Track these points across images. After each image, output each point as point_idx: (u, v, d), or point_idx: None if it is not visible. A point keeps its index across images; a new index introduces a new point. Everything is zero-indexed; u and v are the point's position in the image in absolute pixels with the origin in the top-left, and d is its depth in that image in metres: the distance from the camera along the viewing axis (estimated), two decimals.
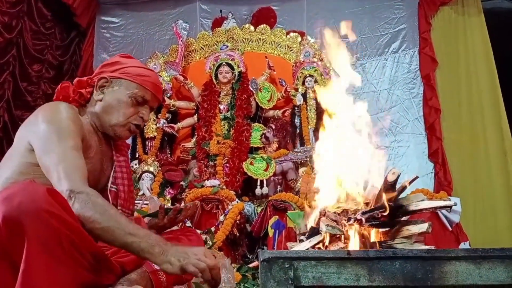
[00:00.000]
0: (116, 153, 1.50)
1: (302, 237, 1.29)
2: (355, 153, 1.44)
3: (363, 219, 1.22)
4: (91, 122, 1.43)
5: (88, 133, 1.38)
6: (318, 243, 1.20)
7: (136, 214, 1.79)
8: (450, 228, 3.27)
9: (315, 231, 1.26)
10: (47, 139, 1.25)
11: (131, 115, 1.43)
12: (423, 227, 1.22)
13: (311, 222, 1.29)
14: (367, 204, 1.31)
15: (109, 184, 1.44)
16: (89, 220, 1.11)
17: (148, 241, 1.11)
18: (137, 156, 4.13)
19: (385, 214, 1.18)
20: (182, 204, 3.29)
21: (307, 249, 1.19)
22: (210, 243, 2.98)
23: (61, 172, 1.18)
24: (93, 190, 1.19)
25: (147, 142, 4.19)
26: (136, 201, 3.45)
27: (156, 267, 1.28)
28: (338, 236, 1.20)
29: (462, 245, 3.48)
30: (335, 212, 1.25)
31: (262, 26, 4.47)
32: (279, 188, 3.74)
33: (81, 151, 1.28)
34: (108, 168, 1.46)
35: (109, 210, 1.15)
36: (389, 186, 1.27)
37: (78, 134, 1.30)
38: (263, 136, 3.90)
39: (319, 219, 1.26)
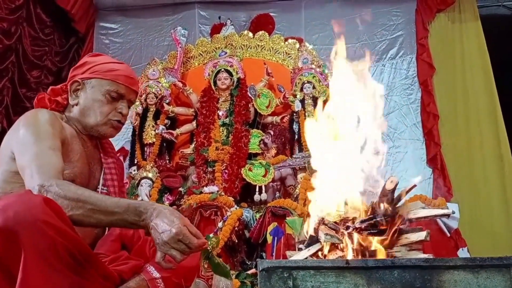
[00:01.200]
0: (104, 155, 1.50)
1: (301, 246, 1.29)
2: (352, 160, 1.44)
3: (362, 228, 1.22)
4: (74, 126, 1.43)
5: (71, 137, 1.38)
6: (317, 251, 1.21)
7: None
8: (448, 234, 3.27)
9: (314, 240, 1.26)
10: (24, 141, 1.26)
11: (108, 112, 1.42)
12: (422, 235, 1.22)
13: (310, 231, 1.29)
14: (366, 212, 1.32)
15: (100, 186, 1.44)
16: (68, 209, 1.10)
17: (129, 215, 1.10)
18: (135, 162, 4.13)
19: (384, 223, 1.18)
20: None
21: (306, 258, 1.19)
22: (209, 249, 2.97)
23: (34, 168, 1.18)
24: (64, 181, 1.17)
25: (145, 148, 4.19)
26: None
27: (155, 275, 1.29)
28: (337, 244, 1.20)
29: (461, 251, 3.48)
30: (334, 222, 1.25)
31: (260, 32, 4.49)
32: (277, 194, 3.74)
33: (59, 151, 1.27)
34: (97, 171, 1.45)
35: (84, 194, 1.12)
36: (388, 194, 1.27)
37: (56, 136, 1.30)
38: (262, 142, 3.90)
39: (318, 227, 1.26)
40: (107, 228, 1.38)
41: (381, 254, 1.18)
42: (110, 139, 1.56)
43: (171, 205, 3.72)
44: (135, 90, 1.49)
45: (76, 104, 1.43)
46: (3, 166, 1.31)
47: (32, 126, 1.29)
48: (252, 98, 4.06)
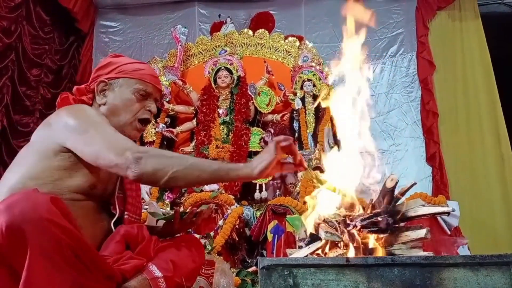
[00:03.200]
0: None
1: (301, 244, 1.30)
2: (353, 158, 1.45)
3: (362, 226, 1.22)
4: None
5: None
6: (317, 249, 1.21)
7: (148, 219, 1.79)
8: (448, 232, 3.27)
9: (314, 238, 1.26)
10: (84, 132, 1.26)
11: (138, 110, 1.44)
12: (422, 233, 1.23)
13: (310, 228, 1.29)
14: (365, 210, 1.32)
15: (117, 190, 1.44)
16: (170, 168, 1.15)
17: (229, 164, 1.29)
18: None
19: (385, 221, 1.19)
20: (187, 207, 3.30)
21: (306, 256, 1.20)
22: (209, 247, 2.98)
23: (116, 146, 1.20)
24: (149, 147, 1.20)
25: (146, 146, 4.20)
26: None
27: (157, 274, 1.29)
28: (337, 242, 1.20)
29: (461, 249, 3.48)
30: (335, 220, 1.25)
31: (260, 30, 4.48)
32: (278, 192, 3.75)
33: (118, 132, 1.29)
34: (115, 175, 1.44)
35: (175, 153, 1.23)
36: (388, 192, 1.28)
37: (107, 122, 1.33)
38: (262, 140, 3.91)
39: (318, 225, 1.27)
40: (113, 230, 1.37)
41: (380, 252, 1.19)
42: None
43: (171, 203, 3.72)
44: (160, 88, 1.53)
45: (104, 104, 1.43)
46: (34, 161, 1.27)
47: (82, 118, 1.30)
48: (252, 96, 4.06)
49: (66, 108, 1.36)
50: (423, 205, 1.32)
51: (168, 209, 3.59)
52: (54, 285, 1.00)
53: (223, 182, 1.31)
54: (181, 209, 3.45)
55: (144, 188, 3.77)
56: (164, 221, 1.57)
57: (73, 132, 1.26)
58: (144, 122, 1.47)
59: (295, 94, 4.08)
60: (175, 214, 1.51)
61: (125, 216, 1.42)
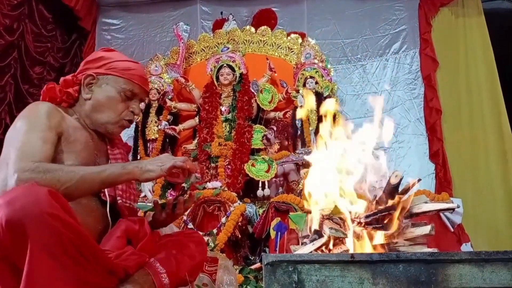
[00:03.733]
0: (110, 147, 1.49)
1: (305, 240, 1.29)
2: (357, 155, 1.44)
3: (367, 222, 1.22)
4: (80, 120, 1.42)
5: (73, 129, 1.36)
6: (321, 246, 1.21)
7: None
8: (452, 229, 3.27)
9: (318, 234, 1.26)
10: (16, 133, 1.26)
11: (122, 111, 1.43)
12: (426, 229, 1.22)
13: (314, 225, 1.29)
14: (369, 206, 1.31)
15: None
16: (59, 184, 1.14)
17: (118, 167, 1.25)
18: (138, 158, 4.14)
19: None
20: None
21: (311, 252, 1.20)
22: (212, 245, 2.98)
23: (17, 155, 1.18)
24: (42, 162, 1.19)
25: (148, 144, 4.20)
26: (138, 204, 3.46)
27: (160, 269, 1.29)
28: (341, 239, 1.20)
29: (464, 246, 3.48)
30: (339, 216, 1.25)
31: (262, 27, 4.47)
32: (280, 189, 3.74)
33: (50, 144, 1.26)
34: (103, 162, 1.44)
35: (68, 167, 1.21)
36: (392, 189, 1.27)
37: (52, 128, 1.28)
38: (265, 137, 3.90)
39: (323, 221, 1.26)
40: (110, 224, 1.37)
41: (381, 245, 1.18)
42: None
43: (174, 200, 3.72)
44: (147, 90, 1.52)
45: (89, 99, 1.41)
46: (4, 164, 1.27)
47: (27, 118, 1.29)
48: (255, 93, 4.05)
49: (28, 106, 1.36)
50: (427, 202, 1.32)
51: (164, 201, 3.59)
52: (56, 280, 1.00)
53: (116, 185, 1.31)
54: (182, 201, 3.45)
55: (147, 186, 3.78)
56: (153, 213, 1.55)
57: (11, 132, 1.28)
58: (128, 121, 1.46)
59: (297, 91, 4.07)
60: (154, 205, 1.48)
61: (119, 201, 1.41)
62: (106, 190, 1.39)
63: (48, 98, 1.43)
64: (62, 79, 1.46)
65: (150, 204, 1.50)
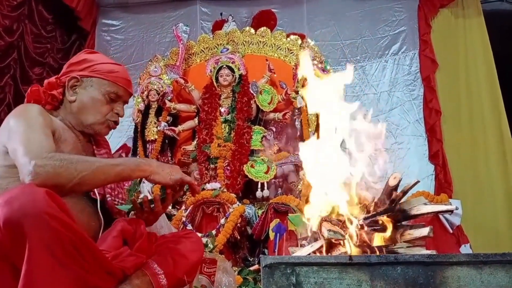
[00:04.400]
0: (96, 147, 1.50)
1: (303, 242, 1.29)
2: (356, 156, 1.44)
3: (365, 224, 1.22)
4: (67, 122, 1.42)
5: (62, 129, 1.38)
6: (320, 248, 1.20)
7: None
8: (451, 231, 3.27)
9: (317, 236, 1.26)
10: (15, 130, 1.26)
11: (107, 112, 1.44)
12: (425, 231, 1.22)
13: (313, 227, 1.29)
14: (368, 208, 1.31)
15: None
16: (76, 173, 1.15)
17: (132, 163, 1.28)
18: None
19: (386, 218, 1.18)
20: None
21: (309, 254, 1.19)
22: (211, 246, 2.98)
23: (26, 146, 1.18)
24: (58, 152, 1.20)
25: (148, 145, 4.20)
26: None
27: (157, 270, 1.28)
28: (340, 241, 1.20)
29: (463, 248, 3.48)
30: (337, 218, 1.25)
31: (262, 28, 4.48)
32: (280, 190, 3.74)
33: (50, 138, 1.28)
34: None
35: (84, 157, 1.22)
36: (391, 191, 1.27)
37: (47, 125, 1.31)
38: (264, 138, 3.90)
39: (321, 223, 1.26)
40: (102, 222, 1.37)
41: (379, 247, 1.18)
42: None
43: (173, 202, 3.72)
44: (131, 92, 1.52)
45: (74, 101, 1.42)
46: (1, 161, 1.29)
47: (22, 117, 1.30)
48: (254, 94, 4.05)
49: (16, 108, 1.36)
50: (426, 203, 1.31)
51: (170, 207, 3.59)
52: (55, 279, 1.00)
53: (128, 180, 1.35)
54: (183, 206, 3.46)
55: (146, 187, 3.78)
56: (134, 212, 1.53)
57: (8, 131, 1.28)
58: (113, 123, 1.47)
59: (297, 92, 4.07)
60: (132, 203, 1.46)
61: (108, 199, 1.41)
62: (96, 189, 1.39)
63: (33, 101, 1.43)
64: (46, 81, 1.47)
65: (130, 204, 1.48)
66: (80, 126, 1.43)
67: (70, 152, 1.35)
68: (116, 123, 1.48)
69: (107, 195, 1.41)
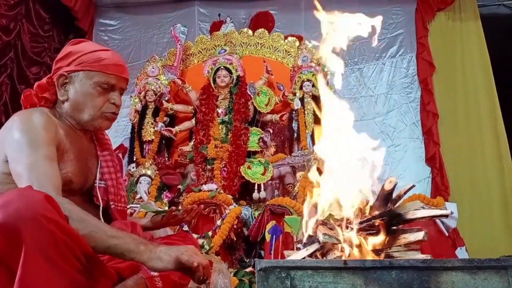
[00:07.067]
0: (99, 148, 1.47)
1: (299, 245, 1.29)
2: (352, 159, 1.44)
3: (360, 228, 1.22)
4: (67, 122, 1.38)
5: (66, 136, 1.34)
6: (315, 251, 1.20)
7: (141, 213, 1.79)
8: (446, 234, 3.27)
9: (312, 239, 1.26)
10: (19, 149, 1.22)
11: (101, 105, 1.37)
12: (419, 235, 1.22)
13: (308, 230, 1.29)
14: (364, 212, 1.31)
15: (97, 181, 1.40)
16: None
17: (131, 242, 1.07)
18: (134, 159, 4.13)
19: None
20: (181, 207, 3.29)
21: (304, 258, 1.19)
22: (207, 247, 2.98)
23: (34, 181, 1.15)
24: (66, 199, 1.15)
25: (144, 146, 4.19)
26: (133, 205, 3.45)
27: (153, 273, 1.28)
28: (335, 244, 1.20)
29: (459, 250, 3.49)
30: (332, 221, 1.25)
31: (260, 30, 4.48)
32: (276, 192, 3.74)
33: (54, 160, 1.24)
34: (94, 165, 1.42)
35: (86, 217, 1.11)
36: (386, 195, 1.27)
37: (51, 142, 1.26)
38: (261, 140, 3.90)
39: (316, 227, 1.26)
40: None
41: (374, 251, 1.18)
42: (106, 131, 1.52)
43: (169, 202, 3.72)
44: (125, 77, 1.42)
45: (66, 100, 1.37)
46: (1, 167, 1.27)
47: (26, 132, 1.25)
48: (252, 96, 4.06)
49: (18, 117, 1.30)
50: (422, 207, 1.32)
51: (167, 208, 3.58)
52: (50, 282, 0.99)
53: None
54: (180, 207, 3.45)
55: (143, 188, 3.77)
56: (154, 215, 1.61)
57: (11, 145, 1.24)
58: (111, 114, 1.40)
59: (294, 94, 4.07)
60: (169, 212, 1.56)
61: (112, 206, 1.40)
62: (99, 194, 1.38)
63: (29, 106, 1.39)
64: (36, 84, 1.42)
65: (153, 206, 1.52)
66: (79, 124, 1.38)
67: (73, 160, 1.32)
68: (115, 113, 1.40)
69: (111, 202, 1.40)
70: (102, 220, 1.35)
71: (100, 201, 1.37)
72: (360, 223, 1.21)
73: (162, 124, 4.15)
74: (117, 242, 1.07)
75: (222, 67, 4.10)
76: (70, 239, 1.03)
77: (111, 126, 1.46)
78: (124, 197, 1.48)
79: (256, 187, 3.66)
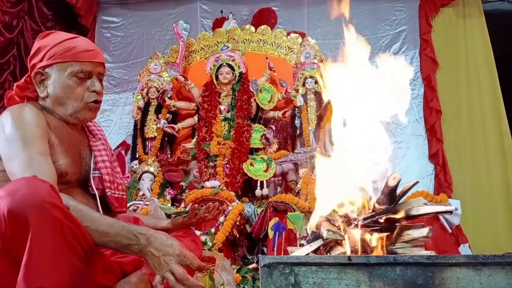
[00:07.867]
0: (92, 138, 1.46)
1: (302, 242, 1.29)
2: (356, 155, 1.43)
3: (364, 224, 1.22)
4: (55, 116, 1.37)
5: (56, 128, 1.33)
6: (318, 247, 1.20)
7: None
8: (450, 231, 3.27)
9: (315, 236, 1.26)
10: (12, 145, 1.22)
11: (82, 94, 1.35)
12: (424, 232, 1.22)
13: (312, 227, 1.29)
14: (367, 208, 1.31)
15: (91, 171, 1.40)
16: None
17: (122, 240, 1.09)
18: (137, 156, 4.14)
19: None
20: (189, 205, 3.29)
21: (308, 254, 1.19)
22: (210, 244, 2.98)
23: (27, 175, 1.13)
24: (62, 193, 1.14)
25: (147, 143, 4.20)
26: (136, 202, 3.46)
27: None
28: (339, 241, 1.20)
29: (462, 247, 3.48)
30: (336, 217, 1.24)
31: (262, 27, 4.47)
32: (279, 189, 3.74)
33: (48, 155, 1.24)
34: (88, 156, 1.41)
35: (82, 212, 1.11)
36: (390, 191, 1.27)
37: (44, 137, 1.26)
38: (264, 137, 3.90)
39: (320, 223, 1.26)
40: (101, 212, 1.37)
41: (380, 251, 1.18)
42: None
43: (172, 199, 3.73)
44: (99, 61, 1.39)
45: (47, 96, 1.35)
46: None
47: (18, 129, 1.24)
48: (254, 92, 4.05)
49: (10, 111, 1.29)
50: (426, 204, 1.31)
51: (169, 204, 3.59)
52: (55, 269, 1.00)
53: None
54: (182, 204, 3.46)
55: (146, 185, 3.78)
56: (175, 216, 1.64)
57: (4, 141, 1.24)
58: (94, 102, 1.38)
59: (297, 91, 4.07)
60: (191, 211, 1.62)
61: (108, 194, 1.39)
62: (93, 183, 1.38)
63: None
64: (15, 85, 1.40)
65: (157, 203, 1.52)
66: (64, 118, 1.37)
67: (66, 152, 1.32)
68: (97, 102, 1.38)
69: (107, 190, 1.39)
70: (100, 208, 1.35)
71: (95, 190, 1.36)
72: (364, 219, 1.21)
73: (165, 121, 4.16)
74: (109, 239, 1.10)
75: (224, 64, 4.09)
76: (75, 227, 1.04)
77: (96, 117, 1.44)
78: (121, 184, 1.47)
79: (258, 184, 3.66)
